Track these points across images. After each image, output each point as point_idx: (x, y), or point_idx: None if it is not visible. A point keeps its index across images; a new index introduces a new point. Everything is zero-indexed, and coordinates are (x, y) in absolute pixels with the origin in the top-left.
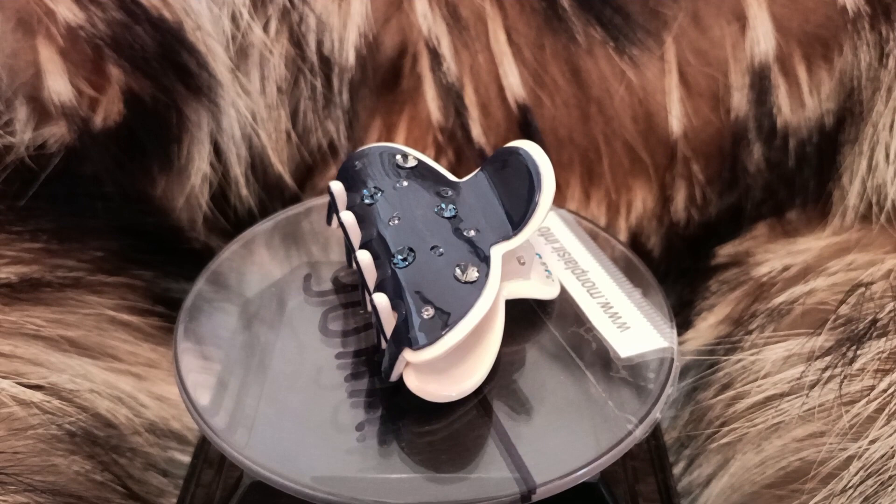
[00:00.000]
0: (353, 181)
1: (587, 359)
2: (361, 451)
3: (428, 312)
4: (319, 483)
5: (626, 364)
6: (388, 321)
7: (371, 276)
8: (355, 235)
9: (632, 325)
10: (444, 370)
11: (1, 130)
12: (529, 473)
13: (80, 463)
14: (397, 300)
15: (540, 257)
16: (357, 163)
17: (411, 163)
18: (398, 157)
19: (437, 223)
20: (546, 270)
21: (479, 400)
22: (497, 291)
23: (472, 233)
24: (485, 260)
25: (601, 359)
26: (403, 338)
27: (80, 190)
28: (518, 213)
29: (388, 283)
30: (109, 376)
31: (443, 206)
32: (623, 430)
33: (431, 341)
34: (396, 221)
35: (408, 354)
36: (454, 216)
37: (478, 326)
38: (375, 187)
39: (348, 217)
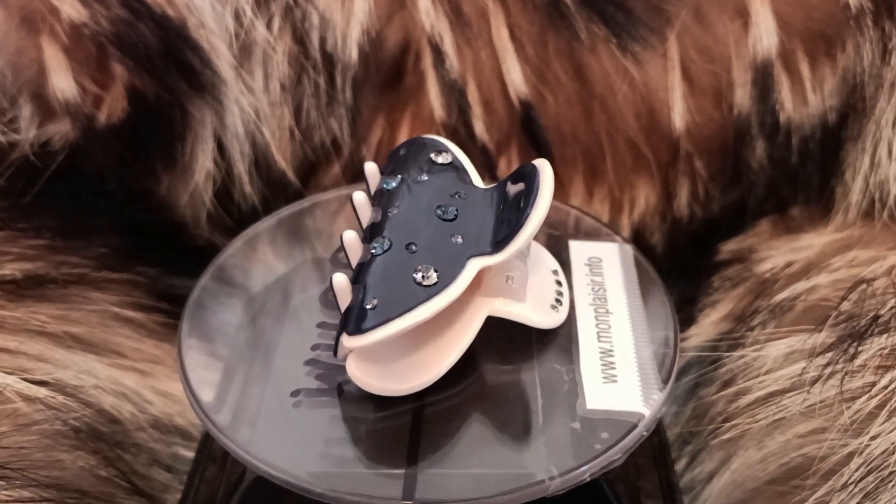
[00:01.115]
0: (390, 166)
1: (549, 398)
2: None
3: (372, 303)
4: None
5: (587, 416)
6: (343, 301)
7: (355, 257)
8: (364, 216)
9: (620, 379)
10: (385, 364)
11: (5, 128)
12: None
13: (85, 458)
14: (357, 285)
15: (560, 284)
16: (403, 150)
17: (443, 160)
18: (433, 152)
19: (431, 222)
20: (556, 300)
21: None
22: (449, 301)
23: (459, 240)
24: (458, 269)
25: (564, 403)
26: (345, 321)
27: (84, 187)
28: (503, 232)
29: (362, 268)
30: (114, 372)
31: (448, 207)
32: (534, 478)
33: (362, 331)
34: (395, 211)
35: (343, 338)
36: (452, 220)
37: (429, 331)
38: (400, 176)
39: (359, 197)
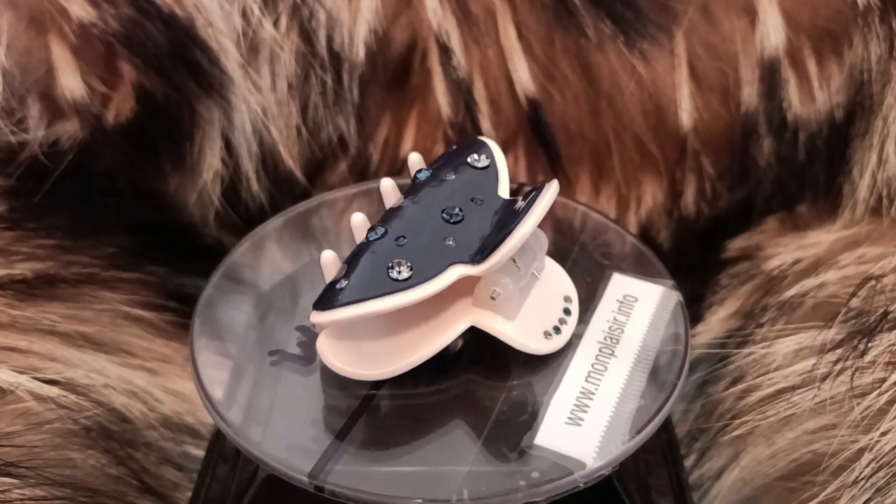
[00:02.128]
0: (438, 160)
1: (502, 421)
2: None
3: (343, 284)
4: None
5: (527, 449)
6: (328, 276)
7: (360, 237)
8: (388, 202)
9: (585, 425)
10: (353, 348)
11: (15, 128)
12: None
13: (96, 457)
14: (344, 265)
15: (568, 313)
16: (455, 146)
17: (480, 163)
18: (475, 154)
19: (433, 221)
20: (554, 328)
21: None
22: (413, 299)
23: (451, 243)
24: (435, 271)
25: (514, 430)
26: (319, 296)
27: (94, 187)
28: (489, 246)
29: (357, 249)
30: (124, 371)
31: (456, 209)
32: (441, 494)
33: (324, 308)
34: (408, 203)
35: (312, 312)
36: (455, 223)
37: (405, 325)
38: (433, 171)
39: (385, 183)
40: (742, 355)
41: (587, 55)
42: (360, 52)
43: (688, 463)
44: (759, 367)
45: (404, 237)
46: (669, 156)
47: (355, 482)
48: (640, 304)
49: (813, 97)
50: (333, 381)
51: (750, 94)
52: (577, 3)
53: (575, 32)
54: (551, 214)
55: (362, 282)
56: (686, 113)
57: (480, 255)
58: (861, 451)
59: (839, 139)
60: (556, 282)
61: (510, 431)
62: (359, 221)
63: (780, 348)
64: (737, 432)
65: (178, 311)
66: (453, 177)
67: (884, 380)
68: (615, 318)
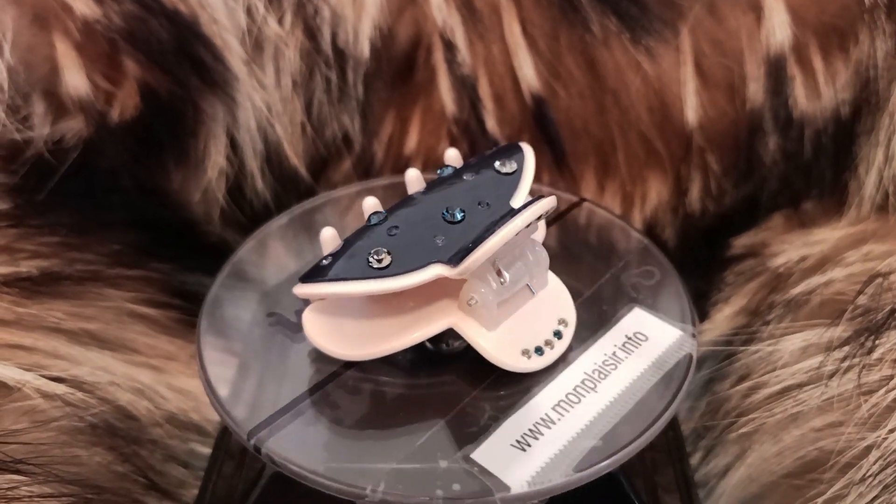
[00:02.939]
0: (472, 159)
1: (449, 428)
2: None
3: (327, 261)
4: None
5: (458, 461)
6: (324, 252)
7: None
8: (410, 191)
9: (529, 452)
10: (333, 325)
11: (19, 125)
12: None
13: (102, 454)
14: (341, 243)
15: (558, 336)
16: (495, 149)
17: (505, 169)
18: (504, 160)
19: (433, 217)
20: (536, 348)
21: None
22: (381, 289)
23: (440, 242)
24: (414, 266)
25: (456, 439)
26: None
27: (98, 184)
28: (467, 250)
29: (356, 231)
30: (129, 369)
31: (458, 210)
32: (358, 483)
33: (303, 280)
34: (419, 197)
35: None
36: (453, 222)
37: (386, 312)
38: (458, 169)
39: (410, 173)
40: (748, 353)
41: (592, 51)
42: (365, 49)
43: (694, 460)
44: (765, 365)
45: (398, 228)
46: (675, 153)
47: (289, 451)
48: (648, 343)
49: (819, 94)
50: (317, 357)
51: (756, 90)
52: (582, 0)
53: (580, 29)
54: (595, 234)
55: (342, 263)
56: (691, 110)
57: (458, 257)
58: (868, 449)
59: (845, 136)
60: (554, 302)
61: (454, 439)
62: (370, 205)
63: (787, 346)
64: (743, 430)
65: (182, 308)
66: (472, 178)
67: (891, 377)
68: (614, 353)
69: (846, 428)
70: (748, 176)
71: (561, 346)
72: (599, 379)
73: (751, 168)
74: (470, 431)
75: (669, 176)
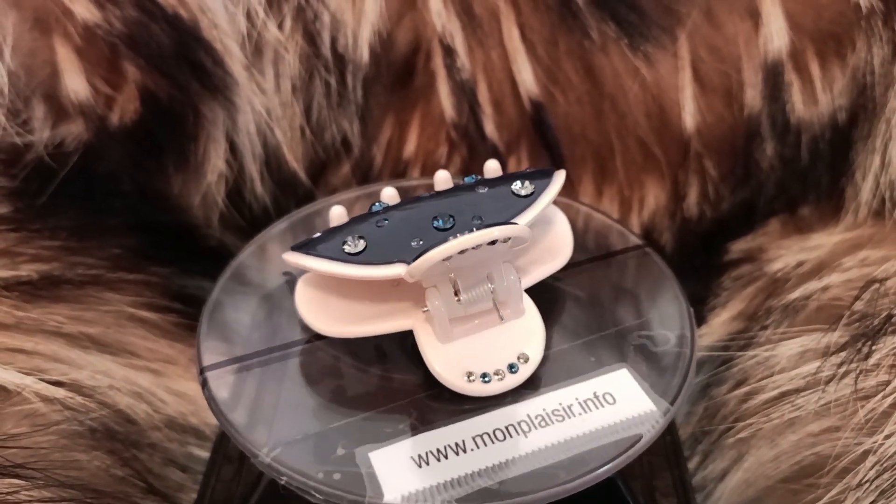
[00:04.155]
0: (506, 173)
1: (368, 422)
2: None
3: (316, 236)
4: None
5: (355, 460)
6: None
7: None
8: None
9: (424, 470)
10: (319, 299)
11: (20, 129)
12: None
13: (102, 458)
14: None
15: (513, 370)
16: (529, 169)
17: (522, 191)
18: (525, 181)
19: (423, 221)
20: (483, 375)
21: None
22: (338, 272)
23: (416, 244)
24: (382, 260)
25: (366, 436)
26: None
27: (98, 188)
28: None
29: (359, 215)
30: (129, 372)
31: (450, 219)
32: (254, 444)
33: (293, 247)
34: (426, 197)
35: None
36: (439, 230)
37: (365, 298)
38: (479, 180)
39: (440, 175)
40: (745, 358)
41: (591, 57)
42: (364, 54)
43: (691, 465)
44: (762, 370)
45: (387, 221)
46: (672, 158)
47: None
48: (612, 408)
49: (816, 100)
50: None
51: (753, 96)
52: (580, 6)
53: (579, 34)
54: (639, 285)
55: (323, 240)
56: (689, 115)
57: (414, 261)
58: (865, 454)
59: (842, 142)
60: (523, 336)
61: (366, 433)
62: (387, 195)
63: (784, 351)
64: (740, 434)
65: (181, 312)
66: (485, 191)
67: (888, 382)
68: (570, 407)
69: (843, 433)
70: (745, 181)
71: (513, 381)
72: (539, 426)
73: (748, 173)
74: (386, 431)
75: (667, 181)
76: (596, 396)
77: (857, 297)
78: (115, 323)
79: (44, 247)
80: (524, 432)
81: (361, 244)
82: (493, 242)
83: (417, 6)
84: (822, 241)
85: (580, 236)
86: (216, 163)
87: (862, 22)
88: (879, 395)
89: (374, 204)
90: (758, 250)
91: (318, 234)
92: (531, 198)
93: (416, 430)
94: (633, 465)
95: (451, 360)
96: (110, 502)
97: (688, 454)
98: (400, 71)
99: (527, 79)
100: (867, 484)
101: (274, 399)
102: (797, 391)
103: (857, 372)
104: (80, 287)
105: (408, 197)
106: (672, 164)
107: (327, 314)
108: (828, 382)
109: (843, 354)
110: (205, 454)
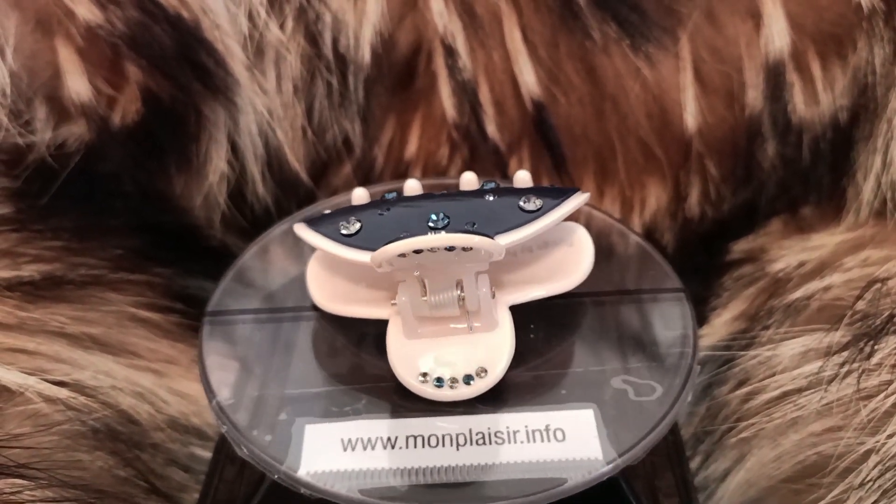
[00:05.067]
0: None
1: (322, 397)
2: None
3: (327, 212)
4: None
5: (290, 430)
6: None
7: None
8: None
9: (346, 455)
10: (326, 275)
11: (22, 129)
12: None
13: (104, 458)
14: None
15: (468, 382)
16: (550, 186)
17: (528, 206)
18: (533, 198)
19: (423, 217)
20: (438, 378)
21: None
22: (325, 250)
23: (402, 237)
24: (368, 247)
25: (311, 409)
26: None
27: (100, 188)
28: None
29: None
30: (131, 373)
31: (444, 220)
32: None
33: (304, 219)
34: (437, 194)
35: None
36: (431, 228)
37: (364, 283)
38: (495, 188)
39: (467, 176)
40: (747, 358)
41: (592, 58)
42: (366, 55)
43: (693, 465)
44: (764, 370)
45: (389, 211)
46: (674, 158)
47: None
48: (555, 445)
49: (817, 100)
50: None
51: (754, 97)
52: (582, 7)
53: (580, 35)
54: (656, 341)
55: (327, 218)
56: (691, 116)
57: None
58: (867, 454)
59: (843, 142)
60: (489, 351)
61: (315, 405)
62: (410, 187)
63: (786, 351)
64: (742, 434)
65: (183, 312)
66: (492, 199)
67: (890, 382)
68: (514, 433)
69: (845, 433)
70: (747, 181)
71: (465, 392)
72: (475, 442)
73: (750, 174)
74: (332, 409)
75: (669, 181)
76: (547, 429)
77: (858, 297)
78: (116, 323)
79: (46, 247)
80: (458, 445)
81: (356, 227)
82: (451, 248)
83: (419, 7)
84: (824, 241)
85: (613, 264)
86: (218, 163)
87: (863, 22)
88: (882, 395)
89: (386, 193)
90: (759, 250)
91: (328, 212)
92: (534, 214)
93: (357, 415)
94: (635, 465)
95: (410, 357)
96: (113, 503)
97: (690, 454)
98: (401, 71)
99: (528, 79)
100: (869, 483)
101: (254, 355)
102: (799, 391)
103: (860, 371)
104: (81, 287)
105: (420, 194)
106: (673, 165)
107: (324, 289)
108: (830, 382)
109: (845, 354)
110: (207, 454)
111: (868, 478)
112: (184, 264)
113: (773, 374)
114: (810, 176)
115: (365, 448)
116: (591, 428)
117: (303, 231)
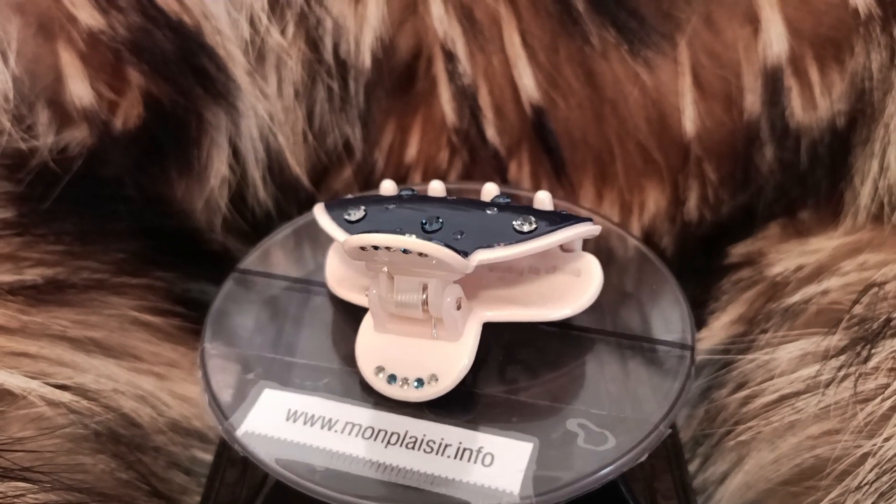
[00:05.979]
0: (535, 211)
1: (298, 369)
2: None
3: (348, 197)
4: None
5: (250, 389)
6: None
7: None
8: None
9: (289, 426)
10: (340, 261)
11: (24, 134)
12: None
13: (106, 461)
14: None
15: (418, 385)
16: (559, 211)
17: (524, 227)
18: (531, 218)
19: (417, 219)
20: (391, 375)
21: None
22: (331, 235)
23: (398, 230)
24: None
25: (281, 377)
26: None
27: (102, 192)
28: None
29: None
30: (132, 376)
31: (438, 225)
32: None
33: (324, 203)
34: (445, 199)
35: None
36: (424, 230)
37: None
38: (502, 203)
39: (488, 187)
40: (745, 361)
41: (591, 63)
42: (366, 60)
43: (692, 467)
44: (762, 373)
45: (395, 206)
46: (672, 162)
47: None
48: (480, 469)
49: (815, 105)
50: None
51: (753, 101)
52: (581, 12)
53: (579, 40)
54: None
55: (341, 204)
56: (689, 120)
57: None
58: (864, 457)
59: (841, 146)
60: (447, 361)
61: (283, 372)
62: (433, 188)
63: (784, 354)
64: (741, 437)
65: (184, 315)
66: (492, 213)
67: (887, 385)
68: (445, 446)
69: (843, 436)
70: (745, 185)
71: (413, 395)
72: (406, 446)
73: (748, 178)
74: (294, 380)
75: (667, 185)
76: (478, 451)
77: (856, 301)
78: (118, 327)
79: (48, 251)
80: (388, 443)
81: (360, 215)
82: (423, 255)
83: (419, 12)
84: (822, 245)
85: (627, 305)
86: (219, 167)
87: (860, 28)
88: (879, 398)
89: (403, 190)
90: (757, 254)
91: (350, 197)
92: (525, 235)
93: (315, 391)
94: (634, 468)
95: (372, 349)
96: None
97: (688, 457)
98: (401, 76)
99: (528, 84)
100: (866, 486)
101: (254, 315)
102: (797, 394)
103: (857, 375)
104: (84, 291)
105: (430, 196)
106: (672, 169)
107: (333, 273)
108: (827, 385)
109: (842, 358)
110: (208, 457)
111: (865, 481)
112: (185, 268)
113: (771, 378)
114: (808, 180)
115: (305, 423)
116: (522, 461)
117: (318, 211)
